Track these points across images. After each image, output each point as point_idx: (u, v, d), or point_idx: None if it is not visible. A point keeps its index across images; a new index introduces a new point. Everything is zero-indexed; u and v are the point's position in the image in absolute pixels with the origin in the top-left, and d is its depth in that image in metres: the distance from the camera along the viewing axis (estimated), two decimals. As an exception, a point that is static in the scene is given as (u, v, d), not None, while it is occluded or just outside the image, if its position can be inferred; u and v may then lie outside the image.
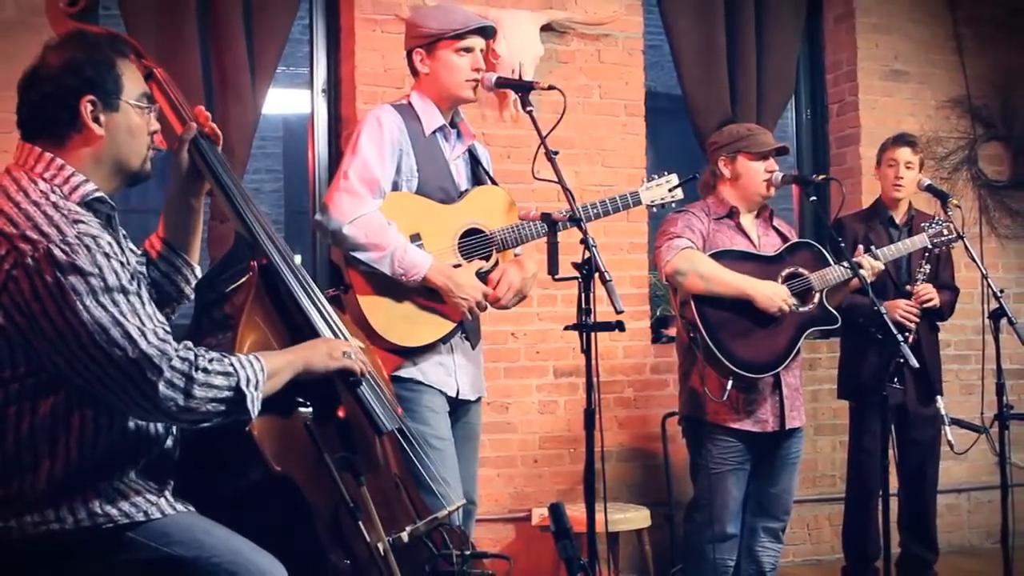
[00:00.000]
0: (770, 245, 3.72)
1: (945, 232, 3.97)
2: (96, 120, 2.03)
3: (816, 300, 3.62)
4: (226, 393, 1.95)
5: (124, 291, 1.91)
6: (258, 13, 4.26)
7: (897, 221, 4.35)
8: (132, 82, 2.09)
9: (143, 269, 2.27)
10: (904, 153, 4.31)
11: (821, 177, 3.95)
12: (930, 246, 3.98)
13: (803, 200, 5.32)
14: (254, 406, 1.99)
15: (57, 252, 1.87)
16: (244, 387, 1.97)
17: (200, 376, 1.92)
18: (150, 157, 2.13)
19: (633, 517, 4.32)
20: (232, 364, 1.98)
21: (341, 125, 4.56)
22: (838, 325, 3.68)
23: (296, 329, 2.28)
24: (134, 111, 2.08)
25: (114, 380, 1.89)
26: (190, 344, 1.97)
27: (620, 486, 4.70)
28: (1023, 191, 5.55)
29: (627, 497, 4.69)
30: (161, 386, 1.89)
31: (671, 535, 4.55)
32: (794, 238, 3.82)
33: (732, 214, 3.70)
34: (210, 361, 1.95)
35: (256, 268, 2.27)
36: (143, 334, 1.89)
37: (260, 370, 2.02)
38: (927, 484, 4.39)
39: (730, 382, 3.52)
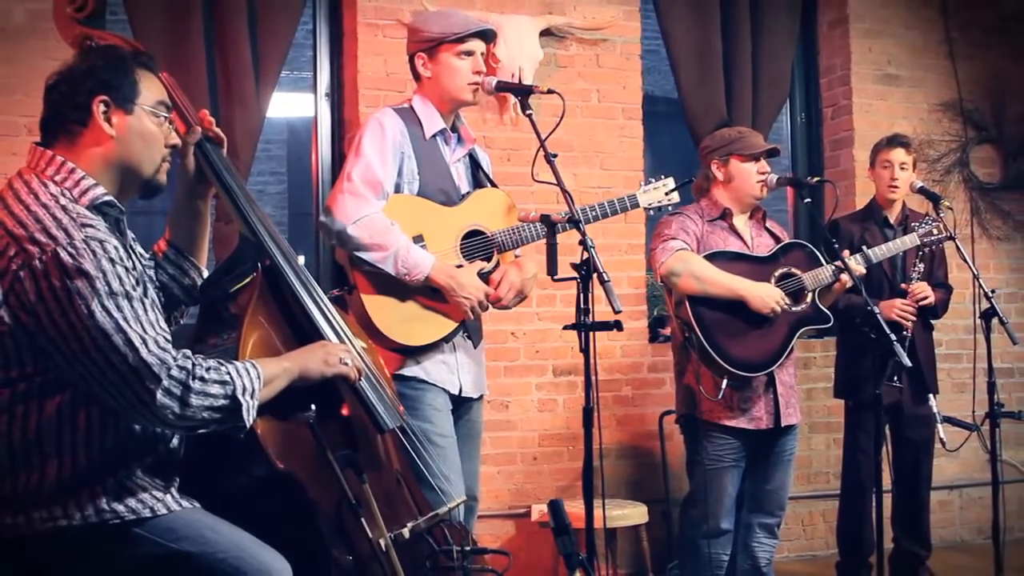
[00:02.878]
0: (763, 246, 3.74)
1: (935, 231, 3.99)
2: (108, 120, 2.04)
3: (809, 300, 3.64)
4: (222, 402, 1.97)
5: (128, 297, 1.92)
6: (262, 18, 4.27)
7: (892, 222, 4.35)
8: (150, 90, 2.10)
9: (151, 273, 2.29)
10: (899, 154, 4.31)
11: (815, 179, 3.96)
12: (920, 244, 4.00)
13: (798, 202, 5.36)
14: (249, 414, 2.00)
15: (64, 255, 1.88)
16: (240, 396, 1.98)
17: (197, 385, 1.94)
18: (165, 169, 2.14)
19: (631, 513, 4.34)
20: (229, 373, 1.99)
21: (344, 128, 4.57)
22: (830, 324, 3.70)
23: (299, 329, 2.29)
24: (149, 117, 2.09)
25: (113, 385, 1.90)
26: (188, 353, 1.98)
27: (618, 483, 4.72)
28: (1014, 193, 5.57)
29: (625, 494, 4.71)
30: (159, 395, 1.90)
31: (668, 531, 4.57)
32: (786, 239, 3.83)
33: (725, 216, 3.72)
34: (207, 370, 1.96)
35: (260, 269, 2.28)
36: (144, 342, 1.91)
37: (256, 378, 2.03)
38: (921, 481, 4.40)
39: (725, 381, 3.54)
